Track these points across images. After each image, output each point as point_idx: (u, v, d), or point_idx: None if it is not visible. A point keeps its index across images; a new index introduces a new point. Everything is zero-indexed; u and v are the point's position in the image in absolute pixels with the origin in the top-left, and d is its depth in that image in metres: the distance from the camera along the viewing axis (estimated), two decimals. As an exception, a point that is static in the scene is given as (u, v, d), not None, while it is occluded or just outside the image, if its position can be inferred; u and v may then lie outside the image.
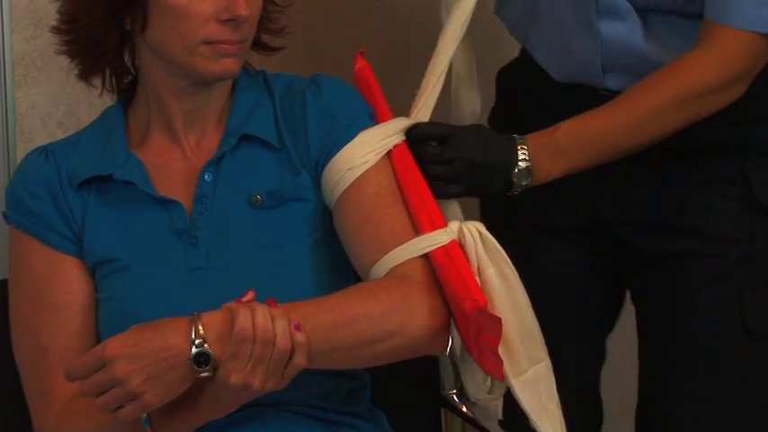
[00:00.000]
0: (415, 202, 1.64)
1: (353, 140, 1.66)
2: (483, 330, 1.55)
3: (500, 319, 1.55)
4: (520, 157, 1.71)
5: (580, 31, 1.84)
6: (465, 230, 1.62)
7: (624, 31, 1.81)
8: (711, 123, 1.76)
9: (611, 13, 1.80)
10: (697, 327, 1.88)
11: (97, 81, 1.71)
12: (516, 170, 1.71)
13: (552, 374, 1.65)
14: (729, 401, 1.88)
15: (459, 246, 1.61)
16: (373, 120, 1.70)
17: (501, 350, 1.58)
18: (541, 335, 1.64)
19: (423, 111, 1.73)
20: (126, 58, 1.70)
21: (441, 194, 1.69)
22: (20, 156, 2.13)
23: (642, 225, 1.91)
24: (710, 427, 1.89)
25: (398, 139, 1.69)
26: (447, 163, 1.70)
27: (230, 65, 1.62)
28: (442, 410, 1.97)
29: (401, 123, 1.70)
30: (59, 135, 2.16)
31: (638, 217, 1.91)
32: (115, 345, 1.45)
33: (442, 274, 1.59)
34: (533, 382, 1.63)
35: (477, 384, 1.64)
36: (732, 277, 1.86)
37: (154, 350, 1.44)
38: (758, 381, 1.89)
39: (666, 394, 1.91)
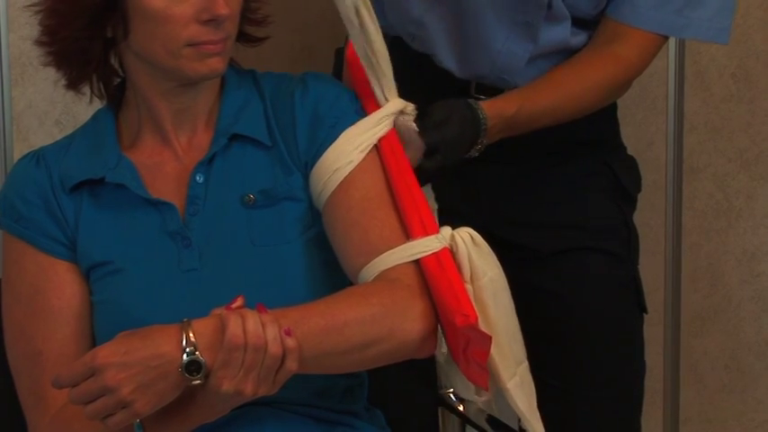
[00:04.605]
0: (406, 205, 1.62)
1: (338, 140, 1.65)
2: (471, 345, 1.54)
3: (490, 336, 1.55)
4: (480, 136, 1.78)
5: (509, 27, 1.91)
6: (457, 238, 1.60)
7: (560, 33, 1.92)
8: (574, 121, 1.90)
9: (554, 17, 1.91)
10: (603, 310, 1.99)
11: (86, 89, 1.69)
12: (477, 146, 1.79)
13: (530, 374, 1.66)
14: (624, 375, 2.03)
15: (450, 254, 1.59)
16: (360, 114, 1.68)
17: (496, 355, 1.58)
18: (521, 336, 1.64)
19: (390, 93, 1.70)
20: (113, 60, 1.68)
21: (424, 179, 1.69)
22: (17, 155, 2.14)
23: (528, 225, 1.99)
24: (612, 407, 2.02)
25: (384, 129, 1.67)
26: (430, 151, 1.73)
27: (216, 64, 1.61)
28: (440, 409, 1.97)
29: (384, 111, 1.67)
30: (56, 134, 2.17)
31: (522, 218, 2.00)
32: (105, 353, 1.44)
33: (432, 283, 1.57)
34: (521, 383, 1.63)
35: (466, 386, 1.64)
36: (623, 262, 2.02)
37: (144, 358, 1.44)
38: (641, 351, 2.07)
39: (575, 378, 2.01)
